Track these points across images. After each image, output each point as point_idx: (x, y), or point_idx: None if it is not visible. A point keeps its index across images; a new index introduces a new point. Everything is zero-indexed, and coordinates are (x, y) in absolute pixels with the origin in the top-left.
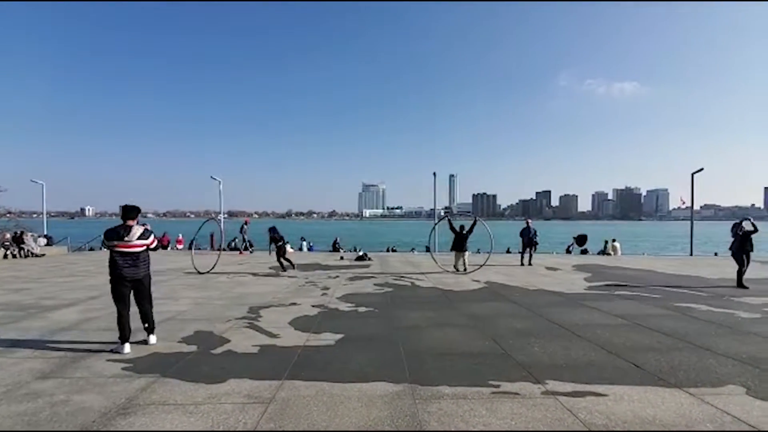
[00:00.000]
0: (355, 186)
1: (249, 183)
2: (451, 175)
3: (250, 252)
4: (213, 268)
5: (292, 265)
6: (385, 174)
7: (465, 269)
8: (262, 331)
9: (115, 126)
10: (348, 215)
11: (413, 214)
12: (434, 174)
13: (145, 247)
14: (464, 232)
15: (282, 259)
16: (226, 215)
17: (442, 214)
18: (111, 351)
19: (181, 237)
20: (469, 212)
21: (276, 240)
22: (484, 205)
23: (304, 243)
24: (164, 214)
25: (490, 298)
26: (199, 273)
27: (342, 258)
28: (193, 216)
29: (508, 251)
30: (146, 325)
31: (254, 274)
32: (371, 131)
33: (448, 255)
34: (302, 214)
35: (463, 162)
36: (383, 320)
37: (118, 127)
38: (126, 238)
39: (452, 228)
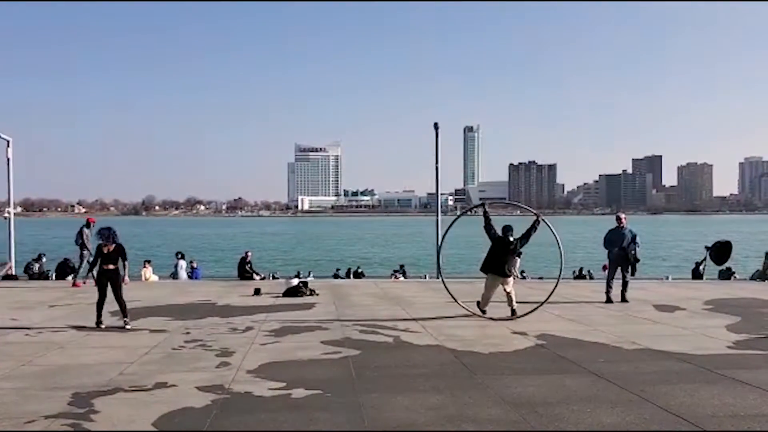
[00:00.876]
0: (281, 153)
1: (71, 151)
2: (468, 129)
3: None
4: None
5: (124, 314)
6: (338, 130)
7: (513, 309)
8: None
9: None
10: (269, 207)
11: (395, 204)
12: (436, 127)
13: None
14: (512, 239)
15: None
16: (19, 209)
17: (448, 202)
18: None
19: None
20: (501, 199)
21: (108, 253)
22: (533, 186)
23: (182, 263)
24: None
25: (549, 367)
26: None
27: (258, 292)
28: None
29: (580, 274)
30: None
31: (80, 328)
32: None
33: (473, 281)
34: (175, 205)
35: (487, 108)
36: (344, 416)
37: None
38: None
39: (490, 228)
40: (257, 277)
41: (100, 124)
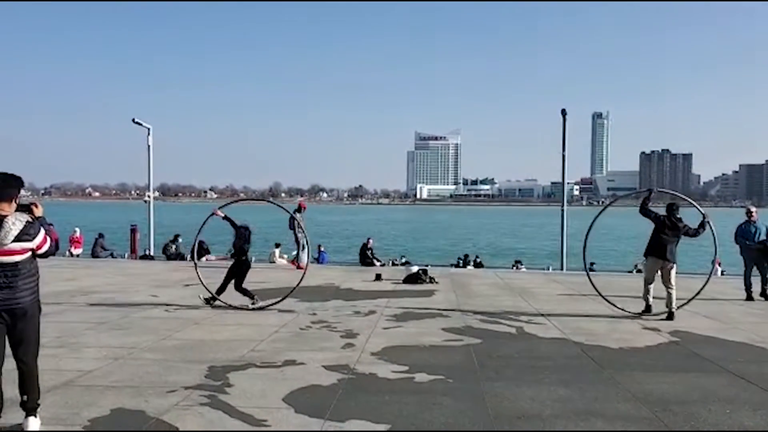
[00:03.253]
0: (401, 142)
1: (200, 138)
2: (597, 115)
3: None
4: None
5: (251, 297)
6: (459, 118)
7: (671, 312)
8: (234, 415)
9: None
10: (388, 195)
11: (516, 193)
12: (563, 113)
13: (29, 253)
14: (679, 216)
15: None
16: (157, 194)
17: (574, 191)
18: None
19: (78, 233)
20: (647, 189)
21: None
22: (666, 176)
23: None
24: (47, 191)
25: (683, 365)
26: (208, 302)
27: (379, 278)
28: (98, 195)
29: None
30: (25, 397)
31: (214, 306)
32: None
33: (600, 275)
34: (300, 192)
35: (618, 93)
36: (467, 402)
37: None
38: None
39: (649, 211)
40: (378, 263)
41: (232, 114)
